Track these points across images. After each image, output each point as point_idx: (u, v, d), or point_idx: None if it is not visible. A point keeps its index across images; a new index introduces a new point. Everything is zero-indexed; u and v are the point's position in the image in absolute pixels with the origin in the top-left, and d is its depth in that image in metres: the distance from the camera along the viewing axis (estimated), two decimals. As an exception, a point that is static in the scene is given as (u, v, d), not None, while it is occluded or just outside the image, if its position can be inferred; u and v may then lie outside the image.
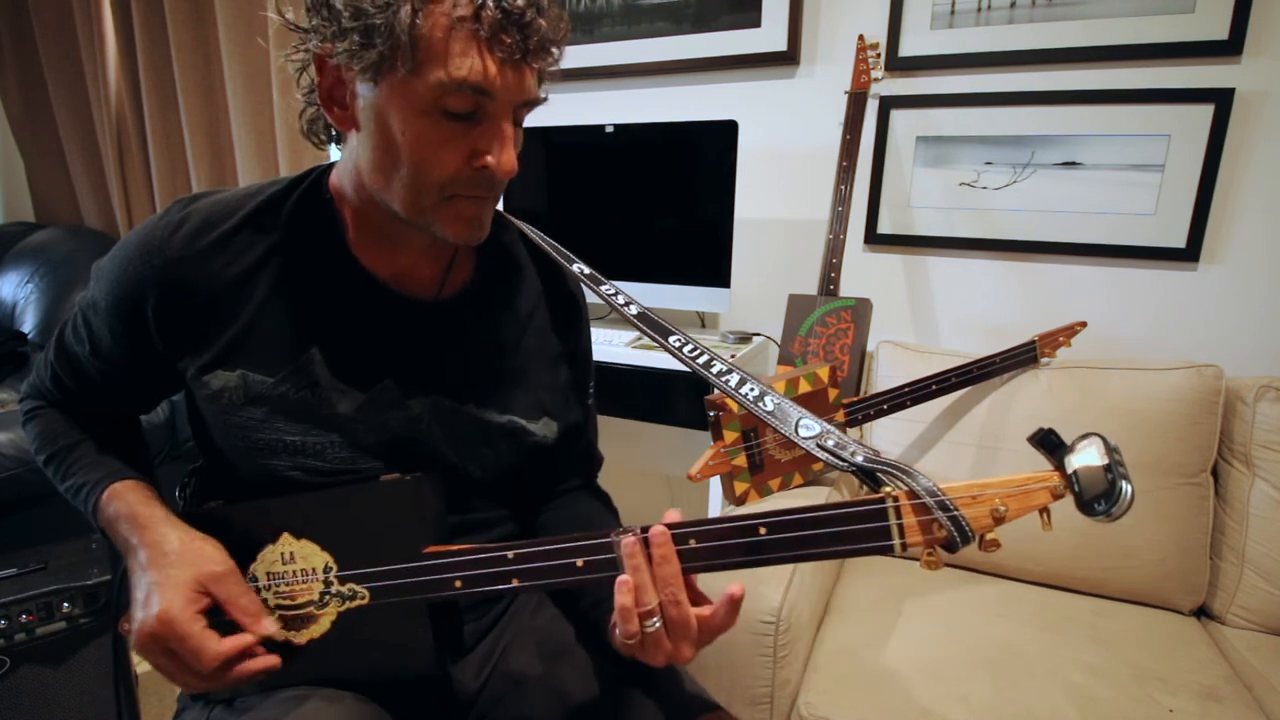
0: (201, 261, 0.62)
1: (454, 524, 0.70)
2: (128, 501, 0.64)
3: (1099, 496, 0.43)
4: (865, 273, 1.66)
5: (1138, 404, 1.21)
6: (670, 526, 0.53)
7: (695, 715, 0.66)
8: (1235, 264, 1.37)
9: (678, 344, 0.70)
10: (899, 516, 0.48)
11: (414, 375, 0.68)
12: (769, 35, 1.61)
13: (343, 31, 0.54)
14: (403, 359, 0.68)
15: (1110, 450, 0.44)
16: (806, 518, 0.50)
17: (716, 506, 1.45)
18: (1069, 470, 0.46)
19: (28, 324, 2.08)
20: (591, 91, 1.85)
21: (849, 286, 1.54)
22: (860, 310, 1.44)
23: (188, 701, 0.68)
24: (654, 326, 0.72)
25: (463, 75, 0.54)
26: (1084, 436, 0.46)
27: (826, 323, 1.46)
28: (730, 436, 1.15)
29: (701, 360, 0.68)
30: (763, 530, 0.50)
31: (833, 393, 1.26)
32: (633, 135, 1.61)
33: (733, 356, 1.52)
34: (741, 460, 1.17)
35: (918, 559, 0.48)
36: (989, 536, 0.46)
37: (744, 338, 1.65)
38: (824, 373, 1.24)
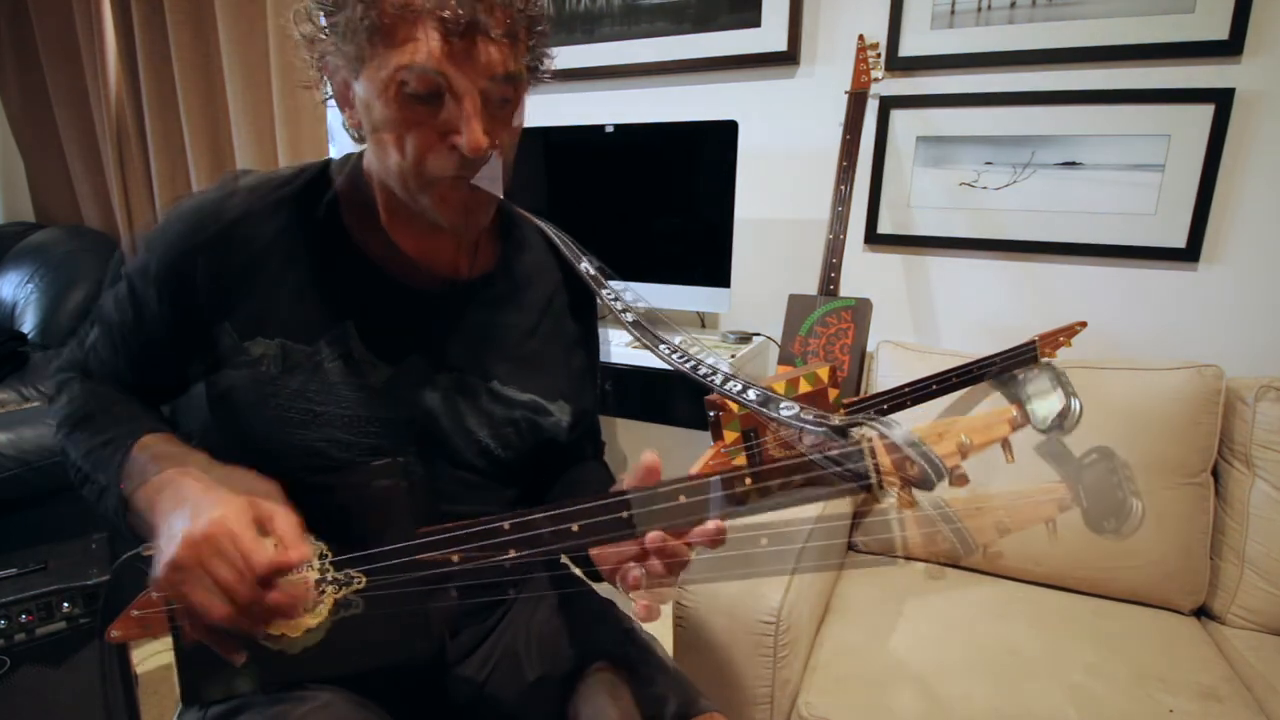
0: (252, 230, 0.65)
1: (468, 511, 0.69)
2: (168, 440, 0.64)
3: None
4: (865, 273, 1.65)
5: (1138, 404, 1.21)
6: (660, 484, 0.53)
7: (695, 715, 0.66)
8: (1235, 264, 1.37)
9: (666, 353, 0.70)
10: (874, 456, 0.50)
11: (441, 352, 0.70)
12: (769, 35, 1.61)
13: (327, 35, 0.58)
14: (430, 336, 0.70)
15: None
16: (788, 465, 0.52)
17: (716, 506, 1.45)
18: (1025, 403, 0.48)
19: (28, 324, 2.08)
20: (591, 91, 1.85)
21: (849, 286, 1.54)
22: (860, 310, 1.44)
23: (185, 708, 0.68)
24: (646, 334, 0.72)
25: (409, 59, 0.55)
26: (1034, 367, 0.49)
27: (826, 323, 1.46)
28: (730, 436, 1.15)
29: (688, 365, 0.68)
30: (749, 480, 0.53)
31: (833, 393, 1.26)
32: (633, 135, 1.61)
33: (733, 357, 1.52)
34: (741, 460, 1.17)
35: (898, 508, 0.50)
36: (958, 472, 0.50)
37: (744, 338, 1.65)
38: (824, 373, 1.24)
